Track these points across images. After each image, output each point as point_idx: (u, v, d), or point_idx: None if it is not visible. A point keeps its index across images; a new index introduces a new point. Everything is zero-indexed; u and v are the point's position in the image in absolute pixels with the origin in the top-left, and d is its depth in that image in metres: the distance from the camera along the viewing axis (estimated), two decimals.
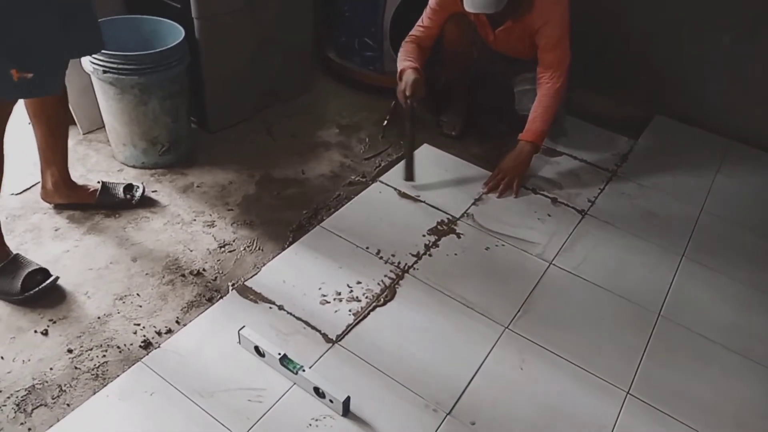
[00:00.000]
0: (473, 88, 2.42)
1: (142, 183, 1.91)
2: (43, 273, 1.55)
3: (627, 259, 1.87)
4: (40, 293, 1.52)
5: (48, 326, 1.48)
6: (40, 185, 1.79)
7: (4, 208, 1.81)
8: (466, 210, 2.00)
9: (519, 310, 1.65)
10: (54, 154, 1.71)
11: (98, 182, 1.84)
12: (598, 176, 2.24)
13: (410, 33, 2.17)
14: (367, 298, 1.63)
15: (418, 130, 2.31)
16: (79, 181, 1.84)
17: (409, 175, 2.10)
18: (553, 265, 1.82)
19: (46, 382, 1.35)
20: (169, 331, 1.49)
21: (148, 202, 1.89)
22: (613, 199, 2.13)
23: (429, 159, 2.20)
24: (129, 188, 1.87)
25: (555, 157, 2.33)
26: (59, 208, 1.82)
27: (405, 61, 2.11)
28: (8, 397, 1.32)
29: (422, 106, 2.05)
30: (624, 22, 2.60)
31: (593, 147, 2.39)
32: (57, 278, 1.56)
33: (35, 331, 1.46)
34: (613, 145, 2.44)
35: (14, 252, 1.58)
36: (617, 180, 2.23)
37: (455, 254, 1.82)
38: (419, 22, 2.15)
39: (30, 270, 1.53)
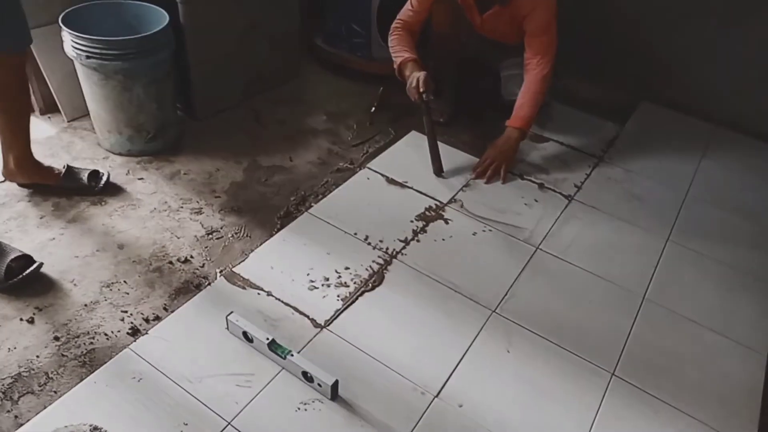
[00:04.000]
0: (462, 75, 2.42)
1: (107, 171, 1.89)
2: (26, 259, 1.54)
3: (613, 242, 1.89)
4: (24, 280, 1.51)
5: (34, 314, 1.47)
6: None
7: None
8: (454, 196, 2.01)
9: (506, 294, 1.66)
10: (16, 137, 1.70)
11: (63, 166, 1.83)
12: (584, 161, 2.25)
13: (398, 17, 2.16)
14: (355, 283, 1.64)
15: (406, 116, 2.32)
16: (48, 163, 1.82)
17: (438, 168, 2.07)
18: (540, 249, 1.83)
19: (33, 369, 1.35)
20: (157, 318, 1.49)
21: (140, 188, 1.88)
22: (599, 184, 2.15)
23: (417, 145, 2.20)
24: (94, 175, 1.85)
25: (542, 142, 2.33)
26: (22, 192, 1.80)
27: (402, 53, 2.10)
28: None
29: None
30: (611, 8, 2.61)
31: (580, 133, 2.40)
32: (41, 264, 1.55)
33: (21, 319, 1.45)
34: (599, 130, 2.45)
35: None
36: (603, 165, 2.25)
37: (443, 240, 1.82)
38: (408, 6, 2.14)
39: (12, 257, 1.51)
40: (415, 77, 2.03)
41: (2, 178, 1.81)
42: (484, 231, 1.87)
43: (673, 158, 2.34)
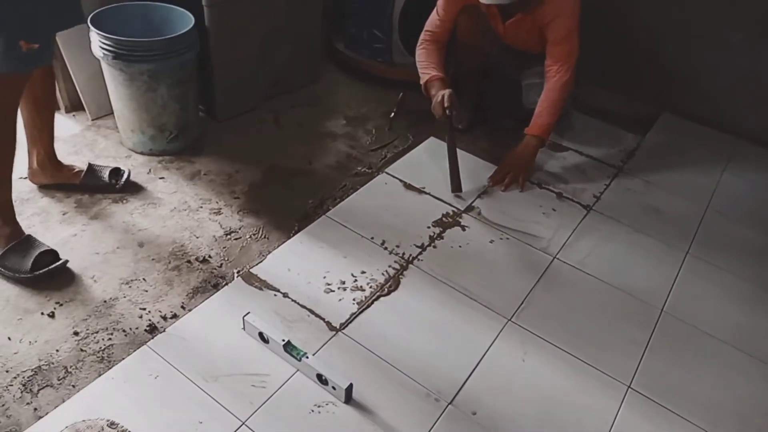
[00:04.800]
0: (482, 82, 2.42)
1: (129, 168, 1.91)
2: (54, 255, 1.57)
3: (631, 254, 1.87)
4: (49, 274, 1.53)
5: (55, 308, 1.49)
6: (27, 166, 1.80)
7: (14, 190, 1.81)
8: (472, 203, 2.00)
9: (522, 303, 1.66)
10: (40, 132, 1.72)
11: (86, 164, 1.85)
12: (603, 172, 2.24)
13: (426, 29, 2.16)
14: (371, 287, 1.64)
15: (425, 122, 2.32)
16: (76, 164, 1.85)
17: (456, 186, 2.02)
18: (557, 259, 1.82)
19: (53, 363, 1.37)
20: (175, 316, 1.51)
21: (161, 188, 1.90)
22: (618, 195, 2.13)
23: (435, 151, 2.20)
24: (115, 172, 1.87)
25: (561, 152, 2.32)
26: (45, 188, 1.83)
27: (429, 70, 2.11)
28: (15, 377, 1.33)
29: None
30: (633, 18, 2.59)
31: (600, 143, 2.39)
32: (66, 262, 1.57)
33: (42, 313, 1.48)
34: (619, 141, 2.43)
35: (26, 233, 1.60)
36: (623, 176, 2.23)
37: (460, 246, 1.82)
38: (434, 15, 2.14)
39: (41, 251, 1.55)
40: (441, 94, 2.04)
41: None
42: (501, 239, 1.87)
43: (694, 170, 2.32)
